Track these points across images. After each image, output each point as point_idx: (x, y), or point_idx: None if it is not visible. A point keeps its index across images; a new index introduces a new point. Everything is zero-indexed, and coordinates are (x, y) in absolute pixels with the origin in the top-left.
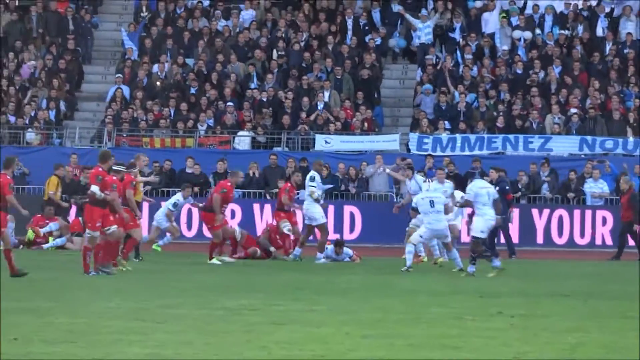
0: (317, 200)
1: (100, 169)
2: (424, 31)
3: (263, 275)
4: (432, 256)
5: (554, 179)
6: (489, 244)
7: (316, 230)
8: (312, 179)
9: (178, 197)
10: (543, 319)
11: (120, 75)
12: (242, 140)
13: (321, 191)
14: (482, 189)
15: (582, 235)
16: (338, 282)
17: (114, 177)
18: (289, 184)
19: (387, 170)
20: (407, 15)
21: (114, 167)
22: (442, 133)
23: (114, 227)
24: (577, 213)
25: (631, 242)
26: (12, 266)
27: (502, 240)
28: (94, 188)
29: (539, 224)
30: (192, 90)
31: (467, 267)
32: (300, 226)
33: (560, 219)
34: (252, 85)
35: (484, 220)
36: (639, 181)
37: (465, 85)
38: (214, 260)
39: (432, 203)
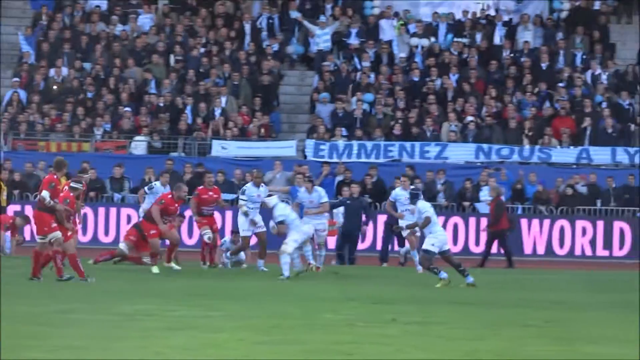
0: (245, 214)
1: (54, 176)
2: (322, 38)
3: (160, 280)
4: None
5: (449, 187)
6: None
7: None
8: (243, 191)
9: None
10: (438, 326)
11: (17, 78)
12: (139, 145)
13: (252, 204)
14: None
15: (477, 243)
16: (235, 287)
17: (71, 194)
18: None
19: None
20: (305, 22)
21: (73, 185)
22: (339, 140)
23: (58, 234)
24: (472, 221)
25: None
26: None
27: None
28: (45, 194)
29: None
30: (89, 95)
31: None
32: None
33: (456, 226)
34: (150, 90)
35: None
36: (535, 189)
37: (363, 92)
38: (172, 264)
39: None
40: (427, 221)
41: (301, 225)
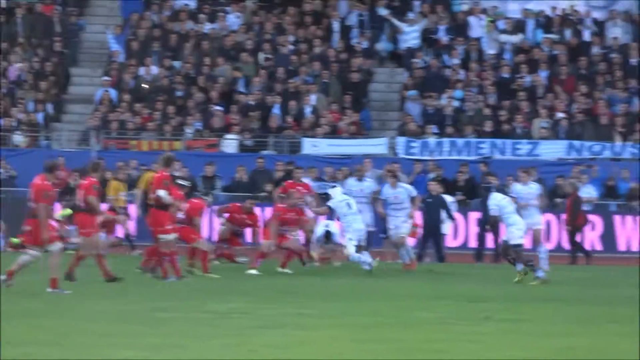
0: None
1: (164, 173)
2: (410, 35)
3: (253, 279)
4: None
5: (541, 184)
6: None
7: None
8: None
9: None
10: (530, 323)
11: (107, 77)
12: (230, 143)
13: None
14: (341, 201)
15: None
16: (328, 285)
17: (179, 192)
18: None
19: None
20: (393, 20)
21: (180, 182)
22: (430, 137)
23: (169, 236)
24: (564, 218)
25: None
26: (105, 270)
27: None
28: (161, 192)
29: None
30: (179, 93)
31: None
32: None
33: (548, 223)
34: (240, 89)
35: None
36: (628, 186)
37: (453, 89)
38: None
39: (349, 205)
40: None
41: (353, 222)
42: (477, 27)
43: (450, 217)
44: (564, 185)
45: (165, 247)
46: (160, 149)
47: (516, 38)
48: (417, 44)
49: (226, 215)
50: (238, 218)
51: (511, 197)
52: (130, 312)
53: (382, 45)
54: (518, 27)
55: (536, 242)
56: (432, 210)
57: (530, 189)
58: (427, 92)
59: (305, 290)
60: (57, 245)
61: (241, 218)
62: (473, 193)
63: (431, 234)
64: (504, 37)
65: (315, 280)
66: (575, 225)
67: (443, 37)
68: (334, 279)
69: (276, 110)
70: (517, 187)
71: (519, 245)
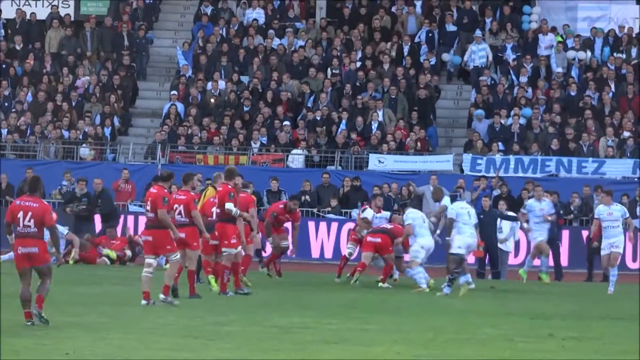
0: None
1: (229, 186)
2: (478, 54)
3: (314, 292)
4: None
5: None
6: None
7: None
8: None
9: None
10: (595, 341)
11: (174, 92)
12: (296, 159)
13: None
14: (463, 209)
15: (635, 259)
16: (390, 300)
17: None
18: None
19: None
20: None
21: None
22: (496, 154)
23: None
24: (628, 236)
25: None
26: (192, 287)
27: (551, 262)
28: (229, 205)
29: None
30: (246, 108)
31: (444, 287)
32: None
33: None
34: (307, 104)
35: (463, 238)
36: None
37: (520, 106)
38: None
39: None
40: None
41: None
42: (546, 45)
43: (514, 220)
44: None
45: (227, 260)
46: (226, 163)
47: (584, 55)
48: (484, 63)
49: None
50: (282, 218)
51: (522, 212)
52: (193, 327)
53: (450, 58)
54: (586, 44)
55: (612, 263)
56: (485, 226)
57: (542, 206)
58: (494, 110)
59: (367, 305)
60: (177, 255)
61: (285, 218)
62: None
63: (487, 250)
64: (572, 54)
65: (376, 295)
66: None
67: (511, 55)
68: (395, 294)
69: (343, 126)
70: (530, 203)
71: (456, 255)
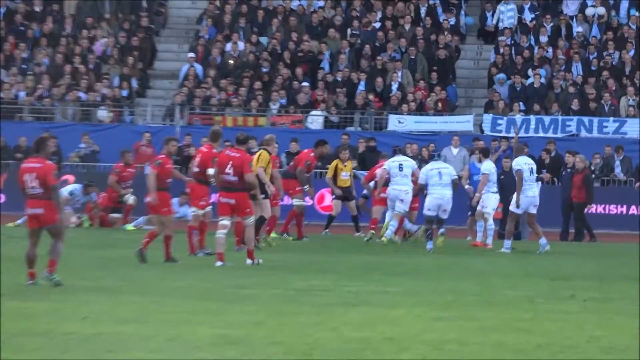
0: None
1: (213, 150)
2: (506, 14)
3: (334, 255)
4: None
5: (627, 162)
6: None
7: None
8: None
9: (76, 187)
10: (617, 302)
11: (193, 54)
12: (315, 120)
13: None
14: (433, 170)
15: None
16: (410, 263)
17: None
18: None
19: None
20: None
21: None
22: (517, 114)
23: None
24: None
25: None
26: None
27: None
28: (211, 171)
29: (613, 207)
30: (265, 69)
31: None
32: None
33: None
34: (325, 65)
35: (432, 198)
36: None
37: (540, 66)
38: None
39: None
40: None
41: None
42: (569, 3)
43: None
44: (576, 160)
45: (195, 220)
46: (245, 125)
47: (603, 10)
48: (512, 23)
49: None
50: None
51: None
52: (211, 290)
53: (470, 22)
54: (604, 3)
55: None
56: (506, 187)
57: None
58: (514, 70)
59: (388, 268)
60: (252, 218)
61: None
62: (559, 171)
63: (506, 210)
64: (591, 10)
65: (398, 257)
66: (580, 201)
67: (529, 15)
68: (417, 256)
69: (362, 87)
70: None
71: (427, 216)
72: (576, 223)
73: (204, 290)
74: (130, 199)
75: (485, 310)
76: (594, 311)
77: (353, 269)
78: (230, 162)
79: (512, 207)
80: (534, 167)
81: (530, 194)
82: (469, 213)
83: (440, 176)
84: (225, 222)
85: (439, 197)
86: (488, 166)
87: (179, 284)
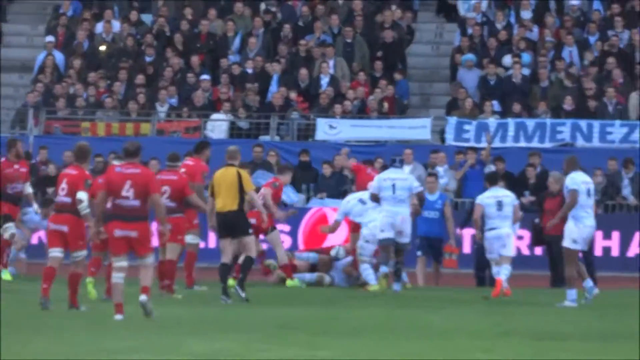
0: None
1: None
2: None
3: (241, 308)
4: None
5: (639, 181)
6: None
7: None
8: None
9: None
10: None
11: (51, 37)
12: (217, 127)
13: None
14: (386, 180)
15: None
16: (347, 318)
17: None
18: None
19: None
20: None
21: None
22: (490, 117)
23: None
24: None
25: None
26: None
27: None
28: (81, 195)
29: (619, 240)
30: (149, 59)
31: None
32: None
33: None
34: (232, 54)
35: (383, 217)
36: None
37: (521, 52)
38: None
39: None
40: None
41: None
42: None
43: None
44: (555, 179)
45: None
46: (122, 134)
47: None
48: None
49: None
50: None
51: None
52: (77, 356)
53: None
54: None
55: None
56: None
57: None
58: (487, 57)
59: (316, 325)
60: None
61: None
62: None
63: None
64: None
65: (329, 310)
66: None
67: None
68: (355, 308)
69: (280, 82)
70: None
71: (382, 241)
72: (552, 263)
73: (65, 356)
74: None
75: None
76: None
77: (269, 327)
78: (129, 182)
79: (567, 243)
80: (592, 187)
81: (589, 223)
82: (419, 253)
83: (393, 190)
84: (124, 263)
85: (391, 215)
86: (483, 196)
87: (31, 349)
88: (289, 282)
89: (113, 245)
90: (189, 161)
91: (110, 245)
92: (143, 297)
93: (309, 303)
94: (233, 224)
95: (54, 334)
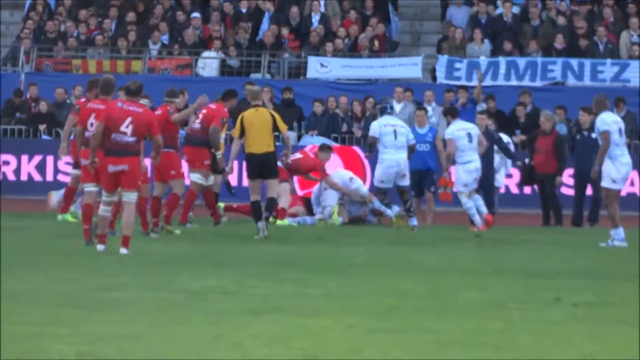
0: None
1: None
2: None
3: (236, 246)
4: None
5: (631, 119)
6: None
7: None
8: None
9: None
10: (618, 308)
11: None
12: (208, 64)
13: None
14: (387, 126)
15: None
16: (338, 256)
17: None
18: None
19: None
20: None
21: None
22: (480, 44)
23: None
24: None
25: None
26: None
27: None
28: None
29: None
30: None
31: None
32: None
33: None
34: None
35: (384, 166)
36: None
37: None
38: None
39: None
40: None
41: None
42: None
43: (512, 158)
44: (546, 117)
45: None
46: (114, 71)
47: None
48: None
49: None
50: None
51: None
52: (71, 292)
53: None
54: None
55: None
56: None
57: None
58: None
59: (308, 263)
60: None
61: None
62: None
63: (480, 185)
64: None
65: (320, 248)
66: (546, 172)
67: None
68: (348, 246)
69: (271, 20)
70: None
71: (378, 189)
72: (544, 202)
73: (59, 293)
74: None
75: (439, 319)
76: (586, 320)
77: (261, 265)
78: (130, 118)
79: (606, 184)
80: (623, 126)
81: (625, 161)
82: (412, 193)
83: (395, 135)
84: (113, 198)
85: (394, 165)
86: (452, 129)
87: (27, 286)
88: (278, 222)
89: (105, 181)
90: (212, 105)
91: (102, 180)
92: (123, 251)
93: (301, 241)
94: (269, 166)
95: (50, 271)
